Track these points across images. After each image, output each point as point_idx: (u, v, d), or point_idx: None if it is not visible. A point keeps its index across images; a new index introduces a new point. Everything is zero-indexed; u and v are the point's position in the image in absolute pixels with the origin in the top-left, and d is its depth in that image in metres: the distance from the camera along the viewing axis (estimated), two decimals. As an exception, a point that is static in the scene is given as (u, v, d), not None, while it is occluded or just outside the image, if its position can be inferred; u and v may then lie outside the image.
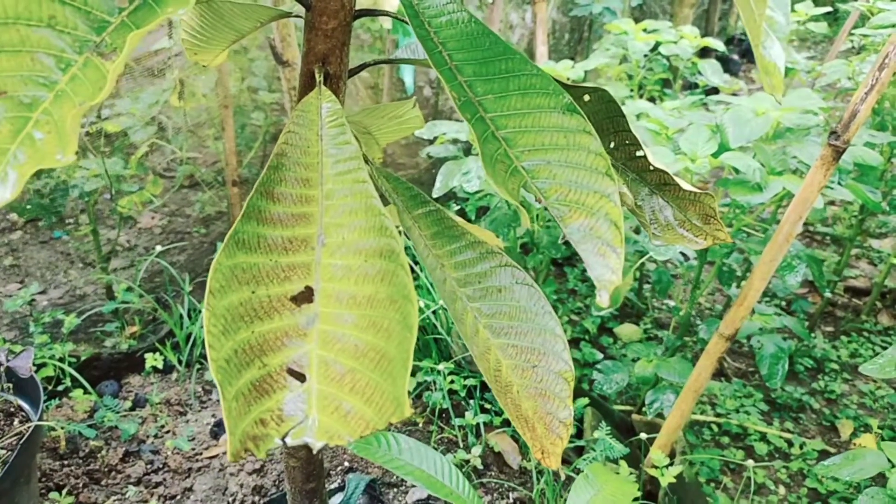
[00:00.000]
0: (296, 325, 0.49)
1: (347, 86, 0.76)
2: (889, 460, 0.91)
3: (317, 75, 0.65)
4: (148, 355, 1.75)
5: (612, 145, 0.73)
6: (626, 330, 2.23)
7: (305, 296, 0.51)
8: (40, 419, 1.29)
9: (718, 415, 2.03)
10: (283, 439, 0.45)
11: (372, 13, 0.70)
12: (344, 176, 0.57)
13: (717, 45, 2.34)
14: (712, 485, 1.78)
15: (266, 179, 0.54)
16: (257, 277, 0.50)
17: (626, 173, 0.73)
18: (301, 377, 0.47)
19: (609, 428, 1.35)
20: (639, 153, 0.72)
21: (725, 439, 1.97)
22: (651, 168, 0.71)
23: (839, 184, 1.31)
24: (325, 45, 0.68)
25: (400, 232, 0.60)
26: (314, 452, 0.70)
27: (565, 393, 0.67)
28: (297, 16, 0.72)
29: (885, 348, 2.38)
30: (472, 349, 0.65)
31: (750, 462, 1.32)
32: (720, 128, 1.30)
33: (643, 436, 1.33)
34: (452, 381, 1.68)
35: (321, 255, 0.53)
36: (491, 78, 0.54)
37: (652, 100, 2.41)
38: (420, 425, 1.61)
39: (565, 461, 1.54)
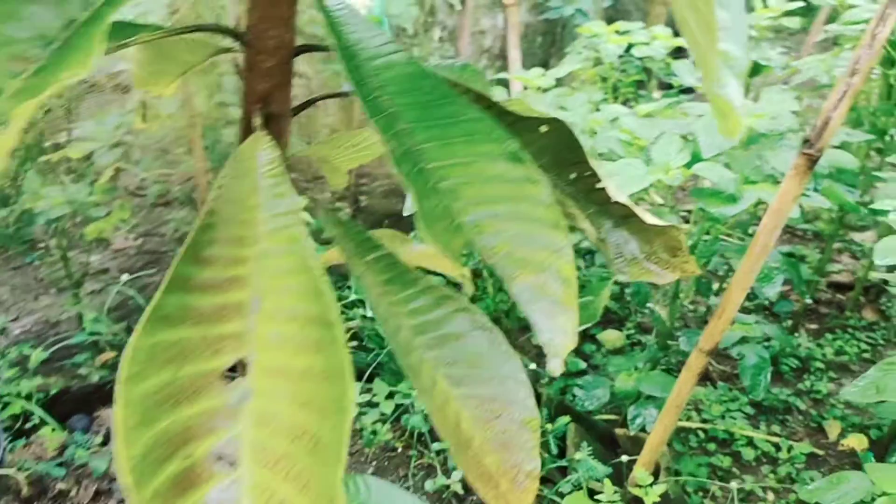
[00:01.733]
0: (225, 405, 0.46)
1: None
2: (874, 483, 0.88)
3: (254, 120, 0.61)
4: (119, 386, 1.70)
5: (572, 177, 0.70)
6: (610, 336, 2.20)
7: (237, 370, 0.47)
8: (2, 464, 1.25)
9: (704, 420, 2.01)
10: (210, 538, 0.42)
11: (313, 49, 0.66)
12: (280, 233, 0.53)
13: (691, 44, 2.31)
14: (700, 494, 1.76)
15: (194, 243, 0.50)
16: (183, 354, 0.46)
17: (587, 206, 0.70)
18: (230, 465, 0.43)
19: (591, 448, 1.32)
20: (599, 185, 0.68)
21: (712, 446, 1.94)
22: (613, 200, 0.68)
23: (815, 189, 1.28)
24: (264, 84, 0.65)
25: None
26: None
27: (531, 443, 0.64)
28: (237, 50, 0.68)
29: (870, 344, 2.37)
30: (429, 404, 0.61)
31: (733, 484, 1.29)
32: (693, 137, 1.27)
33: (624, 458, 1.30)
34: (432, 401, 1.64)
35: (256, 322, 0.49)
36: (433, 124, 0.50)
37: (626, 102, 2.38)
38: (399, 450, 1.58)
39: (549, 481, 1.51)
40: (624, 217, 0.69)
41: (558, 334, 0.45)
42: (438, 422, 0.61)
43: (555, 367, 0.44)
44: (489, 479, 0.61)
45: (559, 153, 0.68)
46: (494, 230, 0.47)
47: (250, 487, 0.43)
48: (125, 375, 0.42)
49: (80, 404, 1.71)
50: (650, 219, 0.66)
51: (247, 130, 0.67)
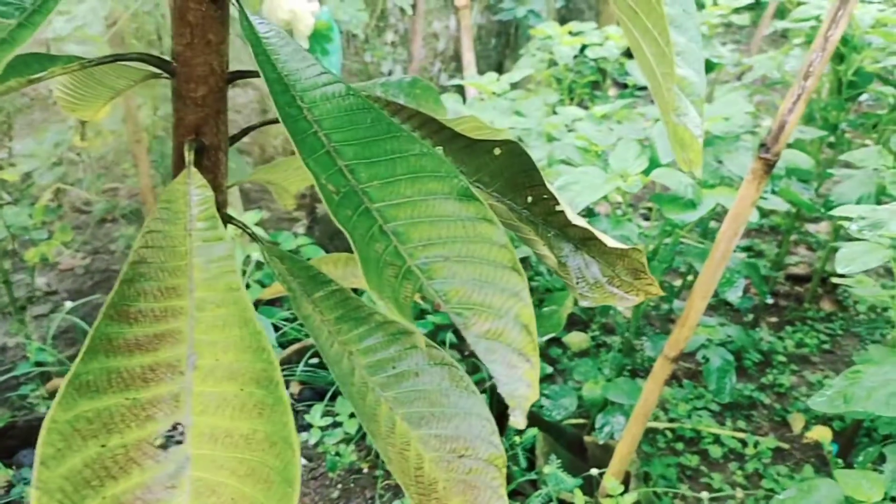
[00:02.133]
0: (161, 476, 0.42)
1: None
2: (843, 491, 0.88)
3: (186, 154, 0.57)
4: (69, 418, 1.63)
5: (529, 200, 0.67)
6: (575, 339, 2.19)
7: (173, 436, 0.43)
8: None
9: (672, 420, 2.01)
10: None
11: (247, 75, 0.62)
12: (216, 281, 0.49)
13: (644, 43, 2.31)
14: (670, 495, 1.75)
15: (118, 298, 0.46)
16: (108, 425, 0.41)
17: (546, 230, 0.67)
18: (164, 549, 0.39)
19: (560, 460, 1.30)
20: (557, 208, 0.65)
21: (680, 445, 1.94)
22: (572, 223, 0.65)
23: (773, 191, 1.28)
24: (196, 115, 0.60)
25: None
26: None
27: (497, 481, 0.61)
28: (167, 77, 0.63)
29: (829, 335, 2.40)
30: (387, 451, 0.58)
31: (705, 494, 1.28)
32: (650, 142, 1.25)
33: (594, 471, 1.28)
34: (397, 418, 1.60)
35: (192, 381, 0.45)
36: (376, 161, 0.46)
37: (582, 104, 2.38)
38: (365, 471, 1.53)
39: (520, 494, 1.48)
40: (584, 240, 0.66)
41: (521, 386, 0.42)
42: (399, 468, 0.57)
43: (518, 420, 0.41)
44: (454, 525, 0.58)
45: (514, 176, 0.65)
46: (447, 274, 0.44)
47: (190, 572, 0.39)
48: (41, 458, 0.38)
49: (28, 438, 1.63)
50: (611, 242, 0.64)
51: (179, 166, 0.63)
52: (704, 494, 1.26)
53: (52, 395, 1.78)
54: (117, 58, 0.57)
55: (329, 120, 0.47)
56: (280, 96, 0.47)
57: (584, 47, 2.25)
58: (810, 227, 2.98)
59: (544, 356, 2.19)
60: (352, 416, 1.59)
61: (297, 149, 0.44)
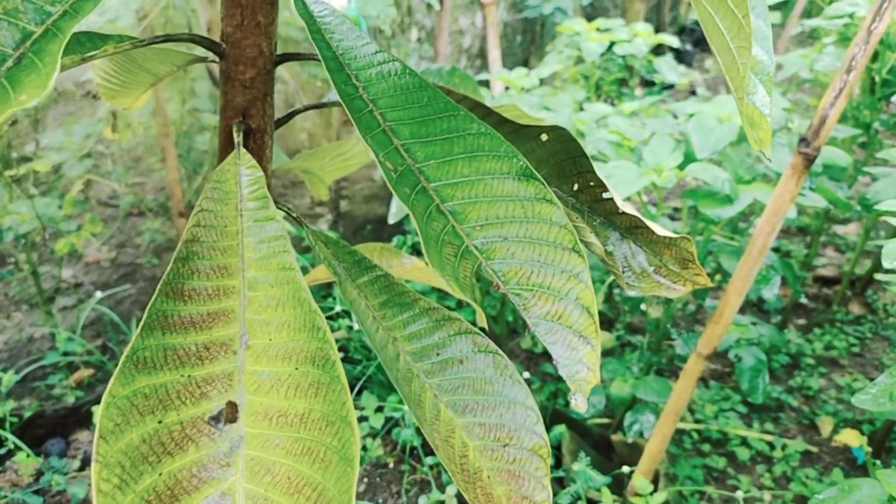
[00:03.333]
0: (216, 454, 0.41)
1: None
2: (886, 491, 0.86)
3: (235, 135, 0.57)
4: (95, 408, 1.64)
5: (575, 188, 0.66)
6: (601, 338, 2.17)
7: (228, 414, 0.43)
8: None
9: (698, 421, 1.99)
10: None
11: (296, 57, 0.62)
12: (269, 261, 0.48)
13: (672, 41, 2.29)
14: (697, 496, 1.73)
15: (172, 276, 0.46)
16: (165, 402, 0.41)
17: (592, 217, 0.66)
18: (222, 524, 0.39)
19: (588, 458, 1.28)
20: (605, 195, 0.64)
21: (706, 447, 1.92)
22: (620, 211, 0.64)
23: (810, 188, 1.26)
24: (243, 97, 0.60)
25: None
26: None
27: (541, 472, 0.60)
28: (212, 61, 0.63)
29: (858, 338, 2.37)
30: (434, 437, 0.57)
31: (739, 493, 1.26)
32: (685, 137, 1.24)
33: (625, 469, 1.27)
34: (423, 413, 1.60)
35: (245, 360, 0.45)
36: (432, 140, 0.46)
37: (609, 100, 2.36)
38: (391, 465, 1.53)
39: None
40: (631, 228, 0.65)
41: (582, 368, 0.41)
42: (445, 455, 0.56)
43: (580, 403, 0.40)
44: (499, 514, 0.57)
45: (561, 163, 0.64)
46: (505, 254, 0.43)
47: (246, 550, 0.39)
48: (101, 432, 0.37)
49: (56, 428, 1.65)
50: (660, 230, 0.63)
51: (226, 147, 0.62)
52: (739, 493, 1.24)
53: (78, 385, 1.79)
54: (168, 38, 0.56)
55: (385, 99, 0.47)
56: (336, 74, 0.47)
57: (611, 44, 2.23)
58: (838, 229, 2.94)
59: (568, 355, 2.17)
60: (377, 410, 1.59)
61: (355, 126, 0.43)
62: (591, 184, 0.64)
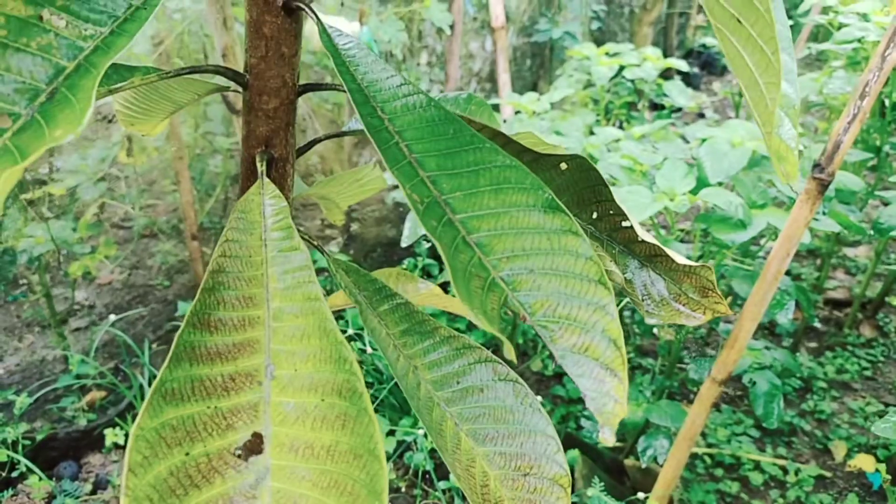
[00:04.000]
0: (242, 486, 0.41)
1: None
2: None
3: (258, 165, 0.57)
4: (108, 431, 1.64)
5: (594, 216, 0.66)
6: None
7: (253, 446, 0.43)
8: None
9: (710, 445, 1.97)
10: None
11: (319, 88, 0.63)
12: (294, 291, 0.49)
13: (681, 65, 2.31)
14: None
15: (200, 307, 0.46)
16: (192, 433, 0.41)
17: (612, 246, 0.66)
18: (249, 559, 0.39)
19: (602, 484, 1.27)
20: (625, 223, 0.65)
21: (719, 471, 1.90)
22: (639, 239, 0.64)
23: (823, 213, 1.26)
24: (266, 127, 0.61)
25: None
26: None
27: (562, 501, 0.59)
28: (235, 90, 0.64)
29: (870, 361, 2.35)
30: (455, 466, 0.57)
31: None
32: (697, 162, 1.24)
33: (640, 495, 1.26)
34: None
35: (270, 391, 0.45)
36: (458, 172, 0.46)
37: (619, 124, 2.37)
38: (403, 490, 1.52)
39: (558, 517, 1.46)
40: (650, 257, 0.65)
41: (609, 401, 0.41)
42: (467, 485, 0.56)
43: (607, 437, 0.40)
44: (521, 545, 0.57)
45: (581, 191, 0.65)
46: (532, 286, 0.43)
47: (274, 585, 0.38)
48: (130, 465, 0.38)
49: (68, 451, 1.65)
50: (679, 259, 0.63)
51: (248, 177, 0.63)
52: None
53: (90, 408, 1.79)
54: (194, 69, 0.57)
55: (410, 131, 0.47)
56: (361, 106, 0.47)
57: (621, 68, 2.24)
58: (849, 252, 2.93)
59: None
60: (389, 434, 1.58)
61: (382, 158, 0.44)
62: (611, 212, 0.65)
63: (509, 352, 0.40)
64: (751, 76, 0.36)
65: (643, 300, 0.66)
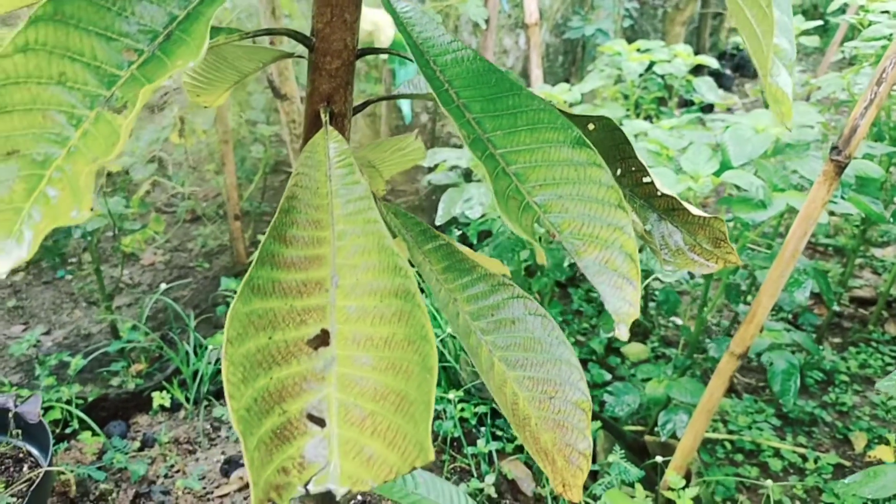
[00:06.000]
0: (313, 370, 0.49)
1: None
2: (910, 476, 0.90)
3: (322, 115, 0.66)
4: (155, 394, 1.74)
5: (618, 172, 0.73)
6: (634, 349, 2.22)
7: (321, 339, 0.51)
8: (50, 464, 1.28)
9: (731, 432, 2.02)
10: (305, 487, 0.45)
11: (374, 51, 0.71)
12: (355, 216, 0.57)
13: (711, 62, 2.36)
14: (728, 503, 1.77)
15: (278, 223, 0.54)
16: (273, 323, 0.49)
17: (633, 200, 0.73)
18: (321, 422, 0.47)
19: (623, 451, 1.34)
20: (646, 179, 0.72)
21: (739, 457, 1.95)
22: (659, 194, 0.71)
23: (842, 198, 1.31)
24: (329, 84, 0.69)
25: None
26: (337, 499, 0.69)
27: (583, 423, 0.67)
28: (299, 56, 0.72)
29: (894, 358, 2.37)
30: (489, 383, 0.64)
31: (769, 482, 1.30)
32: (721, 146, 1.30)
33: (659, 458, 1.32)
34: (463, 409, 1.67)
35: (335, 297, 0.53)
36: (499, 114, 0.54)
37: (648, 118, 2.42)
38: (431, 455, 1.60)
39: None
40: (669, 210, 0.72)
41: (624, 304, 0.48)
42: (499, 400, 0.64)
43: (622, 332, 0.47)
44: (546, 455, 0.64)
45: (607, 149, 0.72)
46: (560, 209, 0.51)
47: (339, 444, 0.46)
48: (228, 337, 0.46)
49: (117, 411, 1.75)
50: (694, 210, 0.70)
51: (311, 129, 0.71)
52: (769, 482, 1.28)
53: (138, 375, 1.90)
54: (270, 31, 0.66)
55: (458, 80, 0.55)
56: (418, 59, 0.55)
57: (651, 64, 2.30)
58: (876, 252, 2.95)
59: (602, 364, 2.22)
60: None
61: (438, 100, 0.51)
62: (633, 169, 0.72)
63: (540, 255, 0.47)
64: (751, 29, 0.43)
65: (661, 249, 0.73)
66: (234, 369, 0.45)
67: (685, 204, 0.70)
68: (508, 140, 0.53)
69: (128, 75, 0.46)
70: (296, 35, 0.68)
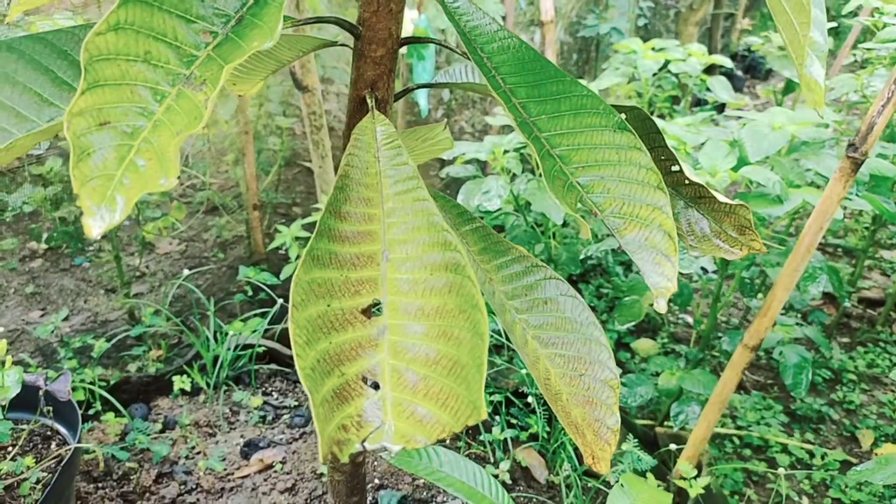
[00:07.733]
0: (368, 337, 0.52)
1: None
2: (921, 463, 0.93)
3: (368, 100, 0.69)
4: (176, 378, 1.78)
5: (648, 161, 0.76)
6: (644, 345, 2.25)
7: (374, 309, 0.54)
8: (78, 442, 1.32)
9: (739, 427, 2.04)
10: (362, 444, 0.48)
11: (418, 41, 0.74)
12: (404, 195, 0.60)
13: (726, 61, 2.38)
14: (736, 497, 1.79)
15: (334, 199, 0.57)
16: (331, 291, 0.52)
17: (662, 187, 0.76)
18: (376, 385, 0.50)
19: (636, 440, 1.37)
20: (674, 168, 0.75)
21: (747, 451, 1.98)
22: (687, 182, 0.74)
23: (856, 195, 1.33)
24: (373, 71, 0.72)
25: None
26: (392, 454, 0.72)
27: (612, 400, 0.70)
28: (342, 44, 0.75)
29: (901, 358, 2.40)
30: (524, 358, 0.68)
31: (781, 470, 1.33)
32: (738, 143, 1.33)
33: (672, 446, 1.35)
34: (477, 398, 1.69)
35: (386, 270, 0.56)
36: (544, 99, 0.57)
37: (662, 117, 2.45)
38: (447, 441, 1.63)
39: (592, 475, 1.55)
40: (696, 198, 0.75)
41: (663, 279, 0.51)
42: (533, 373, 0.67)
43: (661, 305, 0.50)
44: (577, 429, 0.67)
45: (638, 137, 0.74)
46: (602, 190, 0.54)
47: (393, 405, 0.49)
48: (293, 302, 0.49)
49: (139, 394, 1.78)
50: (721, 197, 0.73)
51: (354, 114, 0.74)
52: (781, 470, 1.30)
53: (157, 360, 1.93)
54: (320, 19, 0.69)
55: (505, 66, 0.58)
56: (467, 45, 0.58)
57: (666, 62, 2.33)
58: (885, 254, 2.97)
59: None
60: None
61: (488, 84, 0.54)
62: (663, 157, 0.75)
63: (584, 231, 0.50)
64: (787, 18, 0.46)
65: (688, 236, 0.76)
66: (300, 331, 0.48)
67: (713, 192, 0.73)
68: (552, 124, 0.56)
69: (204, 56, 0.49)
70: (343, 23, 0.71)
